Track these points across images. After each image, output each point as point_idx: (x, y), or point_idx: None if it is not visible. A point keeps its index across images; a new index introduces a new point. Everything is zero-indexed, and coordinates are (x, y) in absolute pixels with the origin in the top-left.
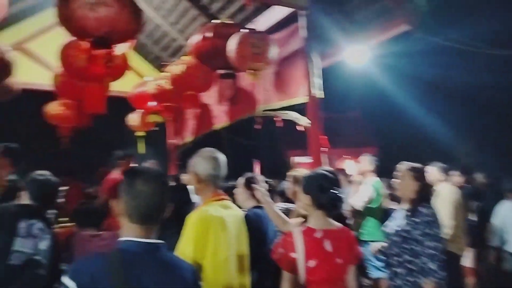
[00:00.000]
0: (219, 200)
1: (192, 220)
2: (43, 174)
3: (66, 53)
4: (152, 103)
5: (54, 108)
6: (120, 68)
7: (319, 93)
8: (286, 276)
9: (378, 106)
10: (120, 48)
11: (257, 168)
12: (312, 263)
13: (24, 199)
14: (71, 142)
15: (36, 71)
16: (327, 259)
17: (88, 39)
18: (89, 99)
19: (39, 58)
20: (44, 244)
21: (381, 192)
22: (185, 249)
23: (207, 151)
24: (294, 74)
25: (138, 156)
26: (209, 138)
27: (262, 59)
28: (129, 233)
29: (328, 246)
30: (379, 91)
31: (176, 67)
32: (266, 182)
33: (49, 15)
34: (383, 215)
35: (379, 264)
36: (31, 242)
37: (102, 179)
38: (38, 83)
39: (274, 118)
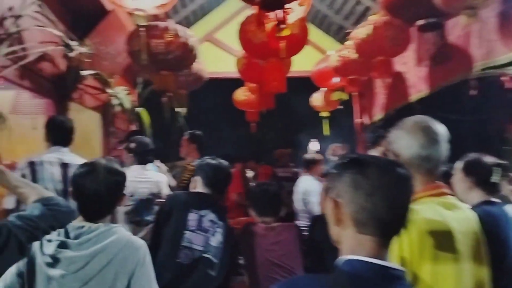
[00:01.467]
0: (438, 195)
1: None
2: (215, 158)
3: (244, 30)
4: (335, 79)
5: (240, 94)
6: (298, 39)
7: None
8: None
9: None
10: (294, 14)
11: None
12: None
13: (198, 186)
14: (259, 126)
15: (224, 59)
16: None
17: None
18: (269, 78)
19: (226, 46)
20: (215, 240)
21: None
22: None
23: (415, 120)
24: None
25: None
26: (402, 113)
27: None
28: (355, 247)
29: None
30: None
31: (361, 31)
32: (499, 165)
33: (233, 3)
34: None
35: None
36: (201, 237)
37: (280, 160)
38: (227, 71)
39: (502, 78)
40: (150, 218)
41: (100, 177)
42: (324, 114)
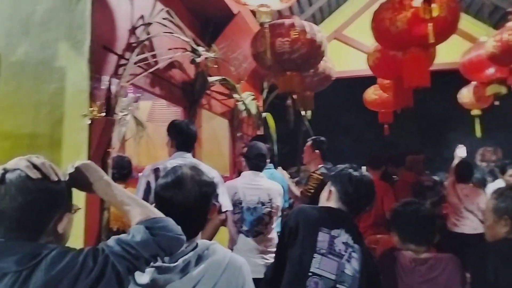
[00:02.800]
0: None
1: None
2: (357, 168)
3: (379, 19)
4: (491, 70)
5: (371, 93)
6: (448, 21)
7: None
8: None
9: None
10: None
11: None
12: None
13: (332, 199)
14: (392, 128)
15: (352, 57)
16: None
17: None
18: (409, 71)
19: (355, 42)
20: (351, 268)
21: None
22: None
23: None
24: None
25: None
26: None
27: None
28: None
29: None
30: None
31: None
32: None
33: None
34: None
35: None
36: (334, 263)
37: (413, 168)
38: (355, 69)
39: None
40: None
41: (187, 189)
42: (476, 112)
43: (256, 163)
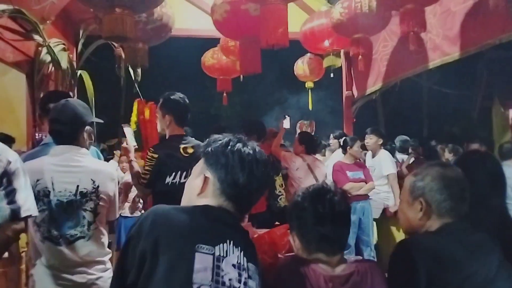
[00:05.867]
0: None
1: None
2: (240, 138)
3: None
4: (329, 41)
5: (210, 56)
6: None
7: None
8: None
9: None
10: None
11: None
12: None
13: (208, 194)
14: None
15: (194, 16)
16: None
17: None
18: (267, 25)
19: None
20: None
21: None
22: None
23: None
24: None
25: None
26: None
27: None
28: None
29: None
30: None
31: None
32: None
33: None
34: None
35: None
36: (207, 276)
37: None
38: (196, 29)
39: None
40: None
41: None
42: (309, 84)
43: (69, 132)
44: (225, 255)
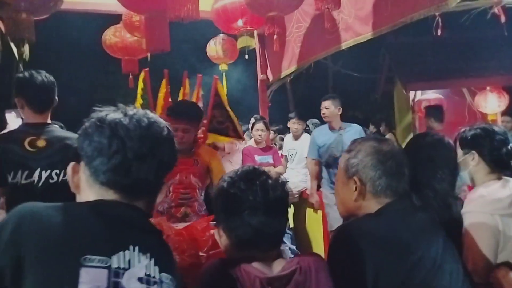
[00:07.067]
0: None
1: None
2: (124, 109)
3: None
4: (243, 20)
5: (111, 34)
6: None
7: None
8: None
9: None
10: None
11: None
12: None
13: (86, 184)
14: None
15: None
16: None
17: None
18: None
19: None
20: None
21: None
22: None
23: None
24: None
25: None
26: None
27: None
28: None
29: None
30: None
31: None
32: None
33: None
34: None
35: None
36: None
37: None
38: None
39: (493, 10)
40: None
41: None
42: (223, 67)
43: None
44: (127, 267)
